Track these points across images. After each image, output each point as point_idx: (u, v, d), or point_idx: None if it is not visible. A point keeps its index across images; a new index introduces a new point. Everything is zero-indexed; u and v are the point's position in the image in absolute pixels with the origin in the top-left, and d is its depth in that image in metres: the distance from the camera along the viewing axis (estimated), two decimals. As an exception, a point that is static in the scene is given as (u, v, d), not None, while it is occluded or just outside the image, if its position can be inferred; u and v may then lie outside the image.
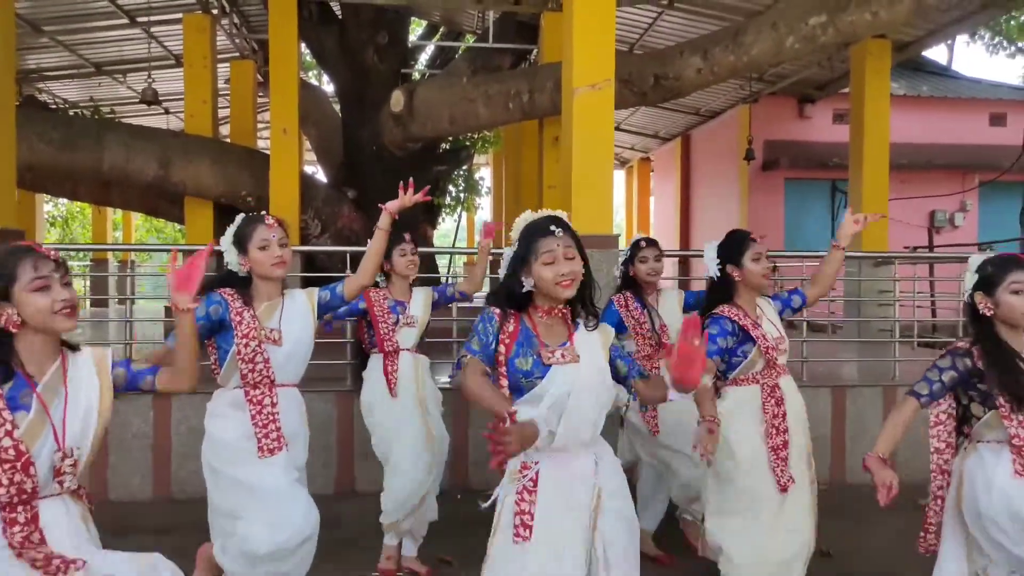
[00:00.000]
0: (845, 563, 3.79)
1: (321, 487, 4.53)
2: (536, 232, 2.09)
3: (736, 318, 2.95)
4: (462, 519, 3.73)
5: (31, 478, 1.85)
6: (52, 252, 1.99)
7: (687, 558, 3.71)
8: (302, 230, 8.15)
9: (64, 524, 1.92)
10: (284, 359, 2.85)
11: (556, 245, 2.05)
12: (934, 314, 9.31)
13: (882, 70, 8.44)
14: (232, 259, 2.84)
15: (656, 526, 3.92)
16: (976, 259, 2.48)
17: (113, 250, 16.11)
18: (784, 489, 2.84)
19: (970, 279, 2.43)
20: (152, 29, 10.00)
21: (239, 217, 2.97)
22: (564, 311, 2.15)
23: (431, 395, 3.78)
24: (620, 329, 3.73)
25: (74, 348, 2.06)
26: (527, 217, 2.19)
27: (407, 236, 3.80)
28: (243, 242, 2.84)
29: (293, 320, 2.91)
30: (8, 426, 1.85)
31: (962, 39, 17.57)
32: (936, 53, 35.60)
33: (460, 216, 16.32)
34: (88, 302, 13.60)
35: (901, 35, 8.57)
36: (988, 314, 2.37)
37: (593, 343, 2.13)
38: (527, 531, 2.02)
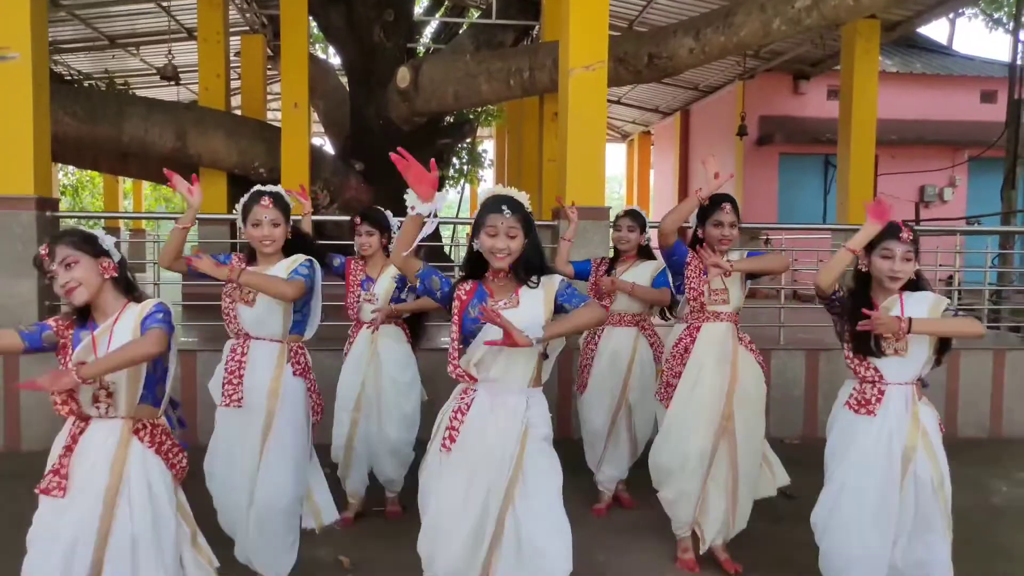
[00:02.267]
0: (806, 506, 4.20)
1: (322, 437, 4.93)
2: (488, 207, 2.43)
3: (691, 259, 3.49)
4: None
5: (75, 399, 2.25)
6: (44, 249, 2.31)
7: (648, 503, 4.06)
8: (312, 200, 8.51)
9: (100, 446, 2.27)
10: (254, 318, 3.10)
11: (500, 223, 2.38)
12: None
13: (871, 49, 8.73)
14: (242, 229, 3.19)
15: (625, 474, 4.29)
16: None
17: (124, 218, 16.46)
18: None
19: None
20: (165, 3, 10.31)
21: (251, 192, 3.21)
22: (509, 271, 2.46)
23: (387, 368, 3.92)
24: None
25: (138, 301, 2.43)
26: (489, 190, 2.53)
27: (359, 218, 4.00)
28: (244, 216, 3.15)
29: None
30: (64, 356, 2.30)
31: (962, 17, 17.63)
32: (938, 30, 35.33)
33: (464, 188, 16.67)
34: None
35: (890, 15, 8.85)
36: (863, 271, 2.77)
37: (535, 295, 2.45)
38: (451, 443, 2.41)
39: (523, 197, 2.49)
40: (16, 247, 5.15)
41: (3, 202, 5.13)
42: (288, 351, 3.12)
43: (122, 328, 2.30)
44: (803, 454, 4.03)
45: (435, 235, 10.60)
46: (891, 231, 2.70)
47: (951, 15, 17.53)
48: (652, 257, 4.24)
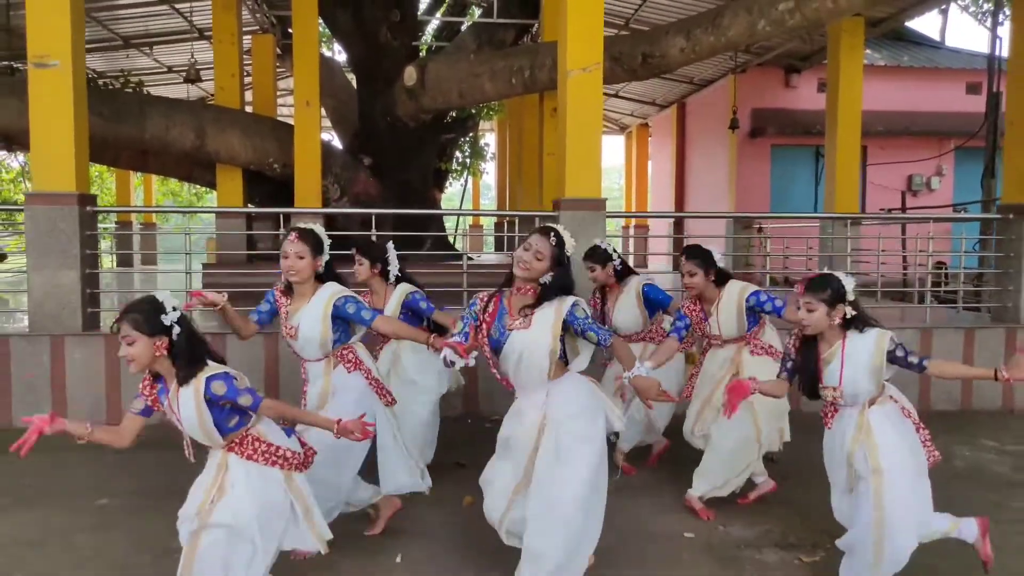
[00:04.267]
0: (785, 469, 4.66)
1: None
2: (536, 229, 2.97)
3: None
4: (472, 436, 5.13)
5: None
6: (116, 320, 2.63)
7: (644, 468, 4.66)
8: (323, 194, 8.95)
9: (211, 466, 2.72)
10: (300, 346, 3.53)
11: (534, 242, 2.90)
12: (905, 269, 10.09)
13: (856, 45, 9.12)
14: None
15: (629, 448, 4.77)
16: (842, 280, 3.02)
17: (136, 212, 16.89)
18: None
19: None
20: (178, 5, 10.71)
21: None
22: (534, 289, 2.95)
23: (408, 374, 4.26)
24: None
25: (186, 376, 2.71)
26: (554, 227, 2.99)
27: (353, 249, 4.30)
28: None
29: (305, 319, 3.45)
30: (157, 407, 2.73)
31: (955, 9, 17.93)
32: (931, 23, 35.46)
33: (466, 180, 17.08)
34: (115, 261, 14.48)
35: (874, 13, 9.24)
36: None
37: (548, 314, 2.92)
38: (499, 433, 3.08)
39: (568, 239, 2.97)
40: (61, 240, 5.59)
41: (49, 198, 5.58)
42: (335, 359, 3.53)
43: (184, 399, 2.64)
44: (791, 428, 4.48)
45: (440, 226, 11.04)
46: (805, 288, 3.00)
47: (941, 8, 17.89)
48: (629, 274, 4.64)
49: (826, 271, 3.09)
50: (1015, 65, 6.77)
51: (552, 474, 2.88)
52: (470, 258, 9.07)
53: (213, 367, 2.65)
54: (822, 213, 10.01)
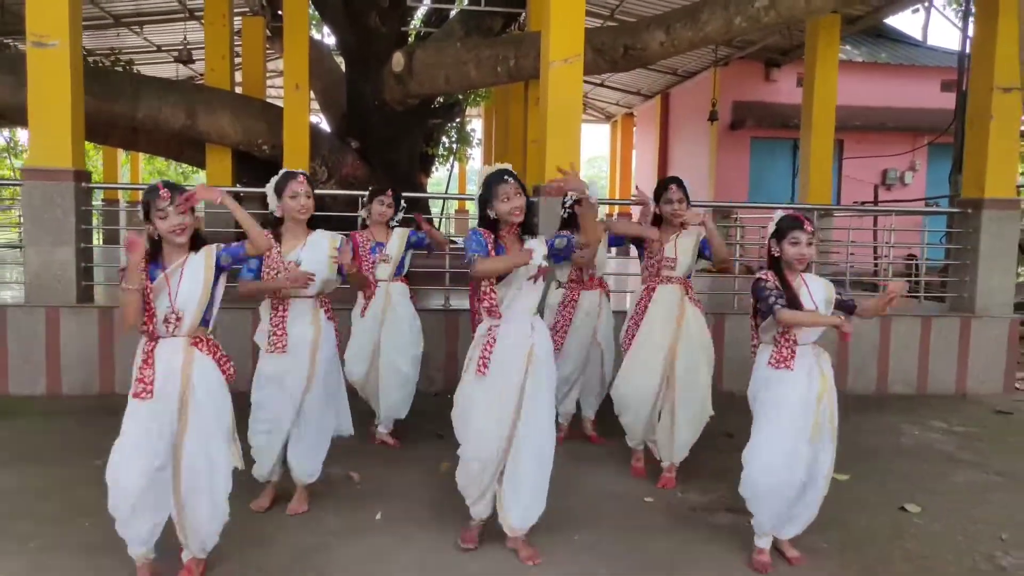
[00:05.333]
0: (741, 443, 4.95)
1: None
2: (495, 180, 3.21)
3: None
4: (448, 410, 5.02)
5: (153, 322, 2.90)
6: (165, 192, 2.90)
7: (612, 440, 4.86)
8: (311, 176, 9.14)
9: (170, 359, 2.89)
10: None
11: (510, 188, 3.19)
12: (876, 259, 10.43)
13: (832, 42, 9.40)
14: (272, 204, 3.74)
15: (594, 414, 5.06)
16: (778, 214, 3.38)
17: (129, 189, 16.98)
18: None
19: (771, 228, 3.36)
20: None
21: (281, 172, 3.79)
22: (516, 229, 3.29)
23: (399, 317, 4.72)
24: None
25: (197, 250, 3.07)
26: (487, 170, 3.30)
27: (388, 191, 4.77)
28: (279, 191, 3.70)
29: (307, 256, 3.69)
30: (143, 286, 2.87)
31: (938, 4, 18.24)
32: (913, 20, 35.86)
33: (452, 165, 17.28)
34: (101, 237, 14.57)
35: (851, 10, 9.53)
36: (775, 255, 3.33)
37: (538, 246, 3.23)
38: (485, 367, 3.22)
39: (509, 168, 3.28)
40: (57, 214, 5.79)
41: (46, 174, 5.77)
42: (319, 303, 3.79)
43: (193, 267, 2.97)
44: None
45: (426, 209, 11.27)
46: (797, 223, 3.27)
47: (924, 5, 18.21)
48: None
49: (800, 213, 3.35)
50: (977, 66, 7.07)
51: (538, 416, 3.27)
52: (455, 241, 9.31)
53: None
54: (795, 204, 10.29)
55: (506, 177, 3.21)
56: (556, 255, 3.37)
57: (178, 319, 2.93)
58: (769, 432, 3.31)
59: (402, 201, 4.87)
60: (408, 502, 3.92)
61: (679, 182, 4.24)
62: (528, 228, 3.30)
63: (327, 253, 3.72)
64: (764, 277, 3.34)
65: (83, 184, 5.95)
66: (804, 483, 3.30)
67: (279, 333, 3.70)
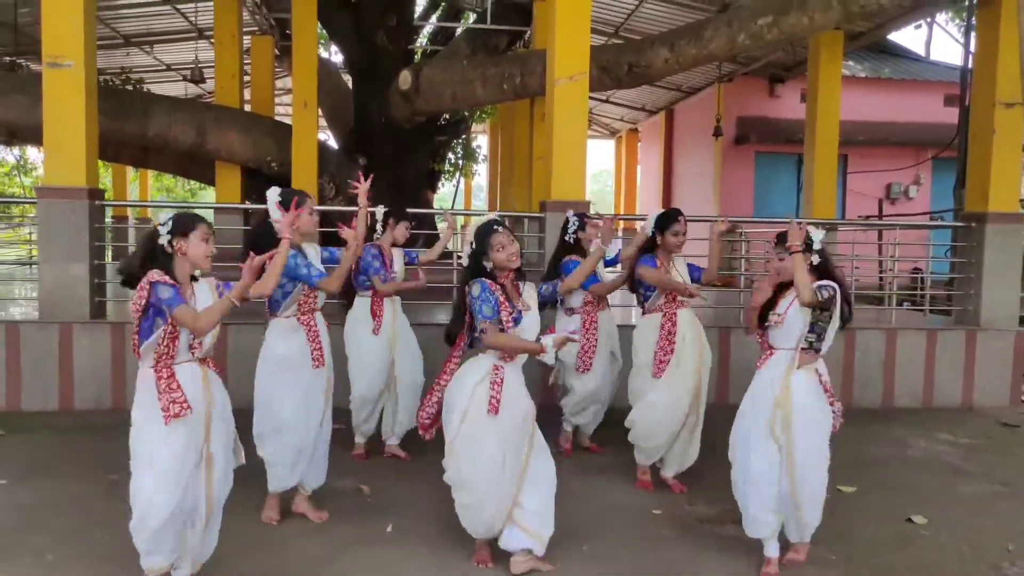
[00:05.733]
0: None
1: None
2: (485, 232, 3.30)
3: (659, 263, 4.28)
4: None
5: (174, 345, 2.92)
6: (210, 224, 3.06)
7: (611, 449, 4.94)
8: (319, 193, 9.26)
9: (192, 380, 2.96)
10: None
11: (503, 236, 3.28)
12: (882, 275, 10.44)
13: (835, 58, 9.48)
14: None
15: (593, 429, 5.12)
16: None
17: (143, 206, 17.17)
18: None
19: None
20: (179, 6, 10.99)
21: (282, 190, 3.88)
22: (512, 275, 3.37)
23: (407, 329, 4.93)
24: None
25: (195, 279, 3.10)
26: (477, 223, 3.39)
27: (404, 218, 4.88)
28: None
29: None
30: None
31: (940, 20, 18.33)
32: (917, 35, 35.84)
33: (459, 181, 17.37)
34: (110, 254, 14.68)
35: (853, 27, 9.61)
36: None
37: (531, 294, 3.40)
38: (497, 406, 3.22)
39: (496, 217, 3.43)
40: (71, 232, 5.88)
41: (61, 192, 5.86)
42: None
43: (202, 294, 3.02)
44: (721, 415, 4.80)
45: (432, 225, 11.33)
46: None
47: (927, 21, 18.32)
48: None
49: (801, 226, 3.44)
50: (979, 82, 7.13)
51: (542, 443, 3.40)
52: (459, 256, 9.38)
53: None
54: (803, 218, 10.33)
55: (496, 227, 3.31)
56: (544, 297, 3.55)
57: (200, 343, 3.00)
58: (743, 429, 3.53)
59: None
60: (418, 515, 3.96)
61: (682, 214, 4.37)
62: (520, 273, 3.41)
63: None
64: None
65: (97, 202, 6.04)
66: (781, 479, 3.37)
67: (319, 342, 3.90)
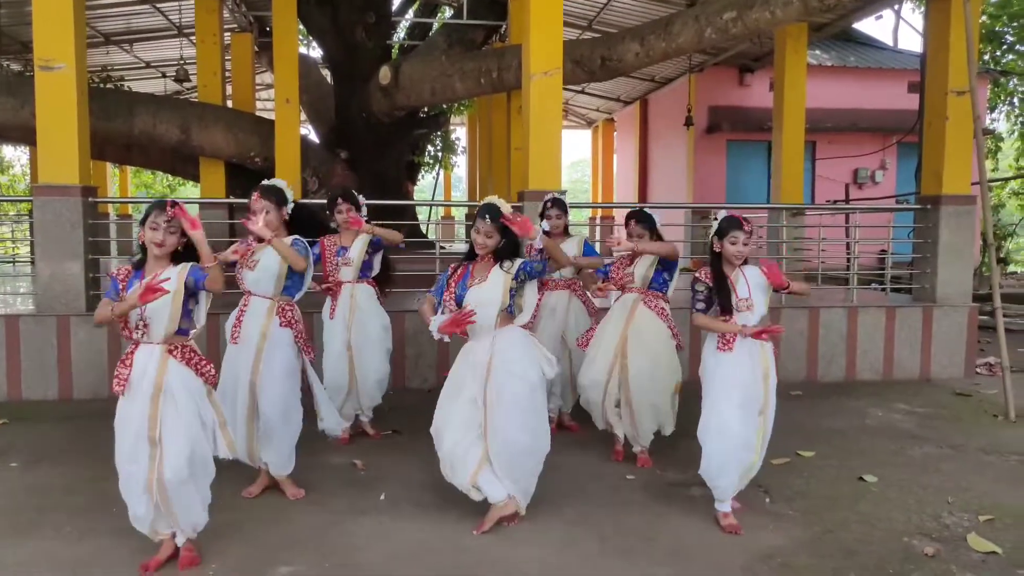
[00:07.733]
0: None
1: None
2: (479, 213, 3.63)
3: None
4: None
5: (128, 327, 3.16)
6: (171, 212, 3.14)
7: (589, 429, 5.17)
8: (302, 187, 9.47)
9: (145, 362, 3.14)
10: (253, 280, 4.07)
11: (482, 227, 3.59)
12: (848, 256, 10.82)
13: (800, 49, 9.82)
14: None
15: (570, 407, 5.43)
16: (721, 215, 3.75)
17: (134, 202, 17.24)
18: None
19: (713, 228, 3.72)
20: (159, 5, 11.12)
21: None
22: (489, 257, 3.67)
23: (365, 316, 4.95)
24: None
25: (177, 263, 3.25)
26: (487, 200, 3.66)
27: (338, 199, 4.95)
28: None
29: (268, 255, 4.05)
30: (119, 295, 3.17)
31: (908, 7, 18.74)
32: (884, 23, 36.51)
33: (438, 173, 17.63)
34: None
35: (816, 19, 9.96)
36: (717, 251, 3.72)
37: (500, 275, 3.62)
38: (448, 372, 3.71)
39: (504, 206, 3.61)
40: (66, 229, 6.09)
41: (55, 190, 6.07)
42: (276, 307, 4.08)
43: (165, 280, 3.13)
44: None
45: (413, 216, 11.60)
46: (737, 224, 3.64)
47: (894, 9, 18.74)
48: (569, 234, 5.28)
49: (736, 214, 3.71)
50: (932, 71, 7.50)
51: (503, 408, 3.60)
52: (442, 247, 9.63)
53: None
54: (773, 203, 10.69)
55: (486, 216, 3.60)
56: (532, 274, 3.69)
57: (145, 326, 3.14)
58: (720, 408, 3.68)
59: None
60: (408, 484, 4.25)
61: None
62: (506, 254, 3.64)
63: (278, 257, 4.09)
64: (699, 276, 3.77)
65: (90, 199, 6.25)
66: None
67: (237, 325, 4.13)
